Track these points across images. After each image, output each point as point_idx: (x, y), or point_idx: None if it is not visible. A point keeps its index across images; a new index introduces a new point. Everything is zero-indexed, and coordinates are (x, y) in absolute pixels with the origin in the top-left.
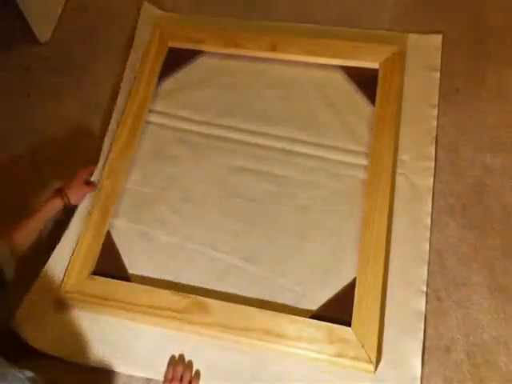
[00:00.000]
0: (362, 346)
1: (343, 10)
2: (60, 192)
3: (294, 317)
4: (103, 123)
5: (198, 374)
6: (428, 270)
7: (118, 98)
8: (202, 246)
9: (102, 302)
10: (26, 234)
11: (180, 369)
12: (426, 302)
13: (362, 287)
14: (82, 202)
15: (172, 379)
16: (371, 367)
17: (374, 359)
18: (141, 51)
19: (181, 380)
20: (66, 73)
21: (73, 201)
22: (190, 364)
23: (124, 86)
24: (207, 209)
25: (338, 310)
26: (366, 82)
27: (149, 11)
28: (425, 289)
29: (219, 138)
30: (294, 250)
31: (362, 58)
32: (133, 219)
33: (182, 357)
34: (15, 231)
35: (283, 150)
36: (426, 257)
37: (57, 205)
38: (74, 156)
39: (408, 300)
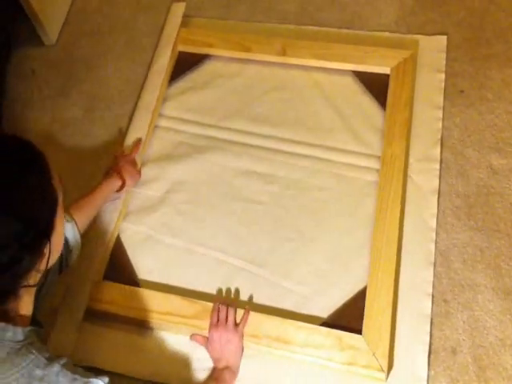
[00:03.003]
0: (373, 354)
1: (347, 11)
2: (117, 171)
3: (303, 324)
4: (108, 126)
5: (247, 310)
6: (434, 271)
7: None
8: (208, 249)
9: (112, 307)
10: (87, 214)
11: (224, 311)
12: (432, 304)
13: (372, 294)
14: (134, 186)
15: (218, 322)
16: (383, 375)
17: (385, 367)
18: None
19: (226, 320)
20: (70, 75)
21: (128, 183)
22: (234, 304)
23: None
24: (212, 212)
25: (349, 318)
26: (376, 86)
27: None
28: (431, 291)
29: (226, 140)
30: (301, 254)
31: (372, 62)
32: (139, 222)
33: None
34: (75, 211)
35: (290, 153)
36: (432, 259)
37: (116, 184)
38: (81, 159)
39: (414, 302)
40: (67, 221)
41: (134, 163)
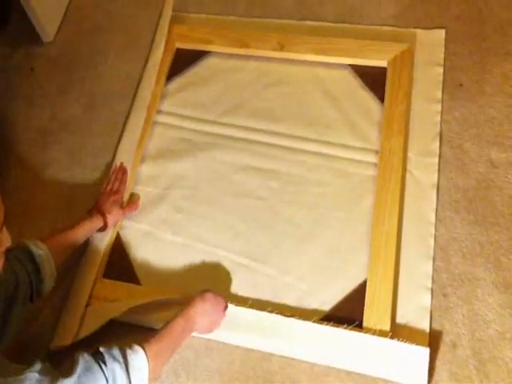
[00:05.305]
0: None
1: (345, 6)
2: (101, 212)
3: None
4: (107, 123)
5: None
6: (433, 265)
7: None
8: (208, 246)
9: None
10: (62, 249)
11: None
12: (432, 298)
13: (372, 289)
14: (113, 226)
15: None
16: None
17: None
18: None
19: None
20: (69, 73)
21: (110, 224)
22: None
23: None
24: (212, 208)
25: (350, 311)
26: (374, 80)
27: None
28: (430, 285)
29: (225, 136)
30: (301, 249)
31: (370, 56)
32: (138, 219)
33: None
34: (51, 243)
35: (289, 148)
36: (431, 253)
37: (98, 224)
38: (81, 156)
39: (414, 296)
40: (40, 249)
41: (118, 203)
